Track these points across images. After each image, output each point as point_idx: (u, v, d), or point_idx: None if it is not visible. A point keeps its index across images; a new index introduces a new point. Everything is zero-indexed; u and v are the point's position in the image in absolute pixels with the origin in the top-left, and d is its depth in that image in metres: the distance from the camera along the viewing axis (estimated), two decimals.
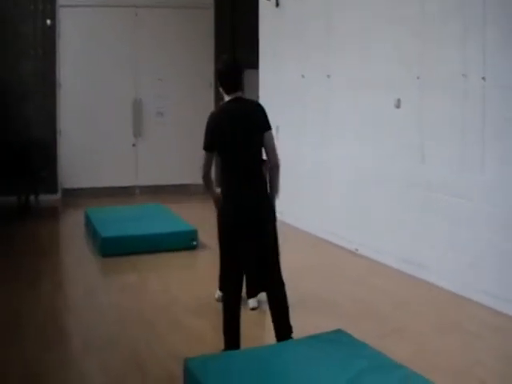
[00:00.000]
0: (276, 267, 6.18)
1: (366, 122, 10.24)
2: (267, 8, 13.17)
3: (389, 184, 9.72)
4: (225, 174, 5.98)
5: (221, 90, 6.19)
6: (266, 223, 6.07)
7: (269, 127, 6.12)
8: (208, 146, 5.95)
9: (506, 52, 7.59)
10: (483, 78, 7.86)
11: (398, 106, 9.44)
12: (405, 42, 9.26)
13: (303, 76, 12.09)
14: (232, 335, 6.04)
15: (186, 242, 10.34)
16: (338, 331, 6.09)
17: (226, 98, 6.12)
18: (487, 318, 7.52)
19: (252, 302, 7.66)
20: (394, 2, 9.51)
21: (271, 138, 6.11)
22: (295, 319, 6.30)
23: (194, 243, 10.45)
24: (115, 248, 10.15)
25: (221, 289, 7.54)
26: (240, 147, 5.90)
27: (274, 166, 6.14)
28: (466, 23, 8.09)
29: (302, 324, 6.59)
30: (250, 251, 6.07)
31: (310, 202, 11.87)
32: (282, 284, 6.17)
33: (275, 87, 13.36)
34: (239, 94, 6.17)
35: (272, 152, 6.09)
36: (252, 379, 5.13)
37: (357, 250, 10.40)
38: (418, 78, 8.97)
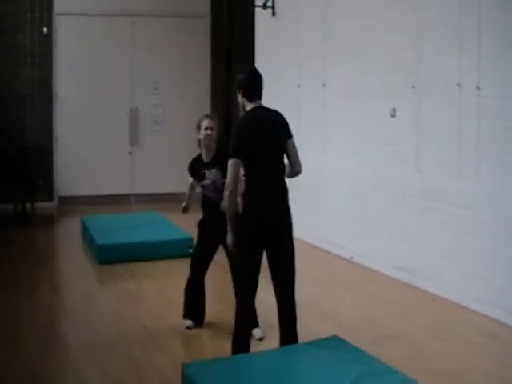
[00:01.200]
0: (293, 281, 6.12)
1: (361, 131, 10.30)
2: (263, 17, 13.22)
3: (384, 192, 9.77)
4: (250, 183, 5.88)
5: (242, 98, 6.19)
6: (290, 237, 6.16)
7: (291, 134, 6.17)
8: (237, 152, 5.82)
9: (500, 62, 7.66)
10: (478, 88, 7.93)
11: (393, 115, 9.51)
12: (400, 52, 9.33)
13: (299, 85, 12.15)
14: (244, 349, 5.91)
15: (182, 249, 10.36)
16: (334, 337, 6.14)
17: (249, 107, 6.14)
18: (483, 325, 7.58)
19: (258, 332, 7.14)
20: (390, 11, 9.58)
21: (295, 146, 6.11)
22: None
23: (191, 250, 10.43)
24: (112, 255, 10.19)
25: (185, 316, 7.49)
26: (268, 154, 5.88)
27: (297, 173, 6.15)
28: (461, 33, 8.16)
29: (298, 331, 6.64)
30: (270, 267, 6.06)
31: (305, 210, 11.88)
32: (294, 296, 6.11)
33: (271, 96, 13.33)
34: (261, 102, 6.26)
35: (296, 159, 6.07)
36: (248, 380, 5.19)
37: (352, 257, 10.45)
38: (413, 87, 9.04)
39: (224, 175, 6.24)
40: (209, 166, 7.29)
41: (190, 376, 5.31)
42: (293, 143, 6.09)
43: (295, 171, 6.11)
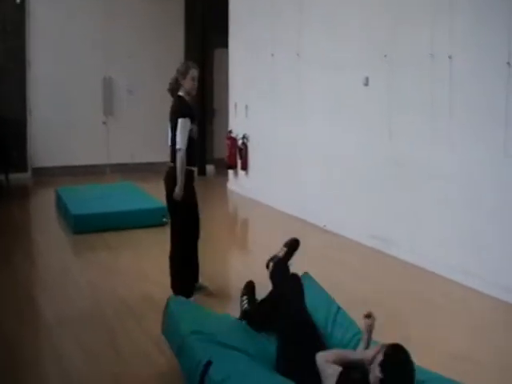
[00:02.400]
0: None
1: (335, 100, 10.34)
2: None
3: (358, 161, 9.84)
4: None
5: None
6: None
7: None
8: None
9: (472, 31, 7.71)
10: (450, 57, 7.98)
11: (366, 83, 9.55)
12: (374, 22, 9.36)
13: (273, 55, 12.15)
14: None
15: (156, 218, 10.41)
16: (306, 274, 6.21)
17: None
18: (455, 292, 7.72)
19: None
20: None
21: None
22: (264, 291, 6.41)
23: (165, 220, 10.48)
24: (87, 225, 10.22)
25: (191, 295, 7.32)
26: None
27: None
28: (434, 3, 8.19)
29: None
30: None
31: (280, 179, 11.97)
32: None
33: (245, 66, 13.42)
34: None
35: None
36: (228, 328, 5.31)
37: (325, 226, 10.53)
38: (385, 56, 9.07)
39: None
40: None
41: (172, 309, 5.53)
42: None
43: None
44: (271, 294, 5.62)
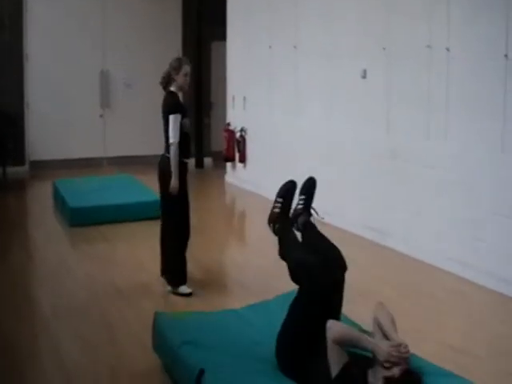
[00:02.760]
0: None
1: (332, 92, 10.33)
2: None
3: (355, 153, 9.84)
4: None
5: None
6: None
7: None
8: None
9: (469, 23, 7.71)
10: (447, 49, 7.98)
11: (364, 76, 9.55)
12: (371, 14, 9.35)
13: (270, 47, 12.15)
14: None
15: (153, 211, 10.33)
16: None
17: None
18: (452, 284, 7.73)
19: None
20: None
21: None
22: (262, 285, 6.44)
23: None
24: (84, 218, 10.21)
25: (183, 282, 7.42)
26: None
27: None
28: None
29: (267, 288, 6.76)
30: None
31: (277, 171, 11.95)
32: None
33: (243, 58, 13.41)
34: None
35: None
36: (219, 335, 5.26)
37: (323, 218, 10.50)
38: (383, 48, 9.07)
39: None
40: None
41: (159, 324, 5.44)
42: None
43: None
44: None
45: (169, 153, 7.21)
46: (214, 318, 5.73)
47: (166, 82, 7.38)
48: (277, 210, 5.54)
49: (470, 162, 7.80)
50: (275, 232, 5.38)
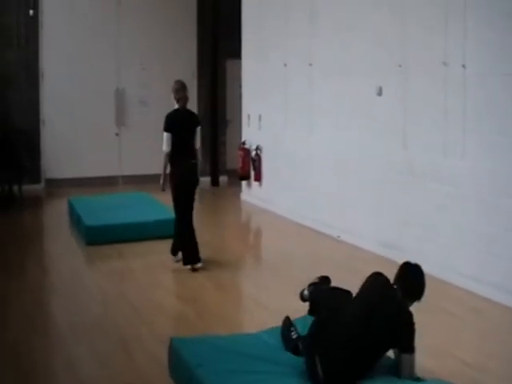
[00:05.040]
0: None
1: (348, 110, 10.33)
2: None
3: (371, 170, 9.82)
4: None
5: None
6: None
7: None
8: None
9: (485, 40, 7.70)
10: (463, 66, 7.97)
11: (379, 93, 9.54)
12: (386, 31, 9.35)
13: (285, 65, 12.17)
14: None
15: (170, 229, 10.32)
16: None
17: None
18: (467, 300, 7.69)
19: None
20: None
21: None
22: (282, 303, 6.40)
23: None
24: (100, 236, 10.16)
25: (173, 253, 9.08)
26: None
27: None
28: (447, 11, 8.19)
29: (287, 308, 6.71)
30: None
31: (293, 189, 11.96)
32: None
33: (258, 76, 13.44)
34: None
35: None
36: (236, 360, 5.21)
37: (339, 236, 10.50)
38: (399, 66, 9.07)
39: None
40: None
41: (176, 349, 5.37)
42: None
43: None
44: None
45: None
46: (230, 341, 5.69)
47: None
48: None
49: (485, 178, 7.77)
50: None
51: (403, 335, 4.92)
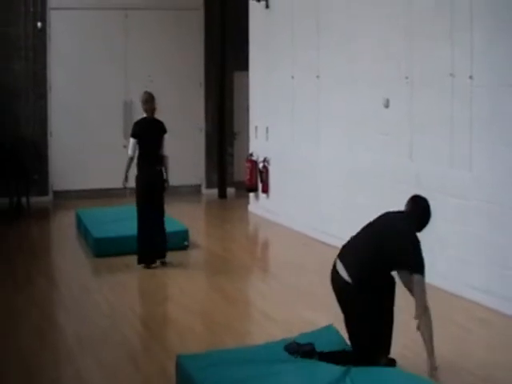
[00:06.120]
0: None
1: (355, 121, 10.33)
2: (257, 9, 13.26)
3: (378, 181, 9.81)
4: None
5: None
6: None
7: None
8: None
9: (492, 51, 7.71)
10: (470, 77, 7.97)
11: (386, 105, 9.54)
12: (393, 42, 9.36)
13: (293, 77, 12.18)
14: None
15: (177, 241, 10.35)
16: (329, 327, 6.16)
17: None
18: (476, 312, 7.66)
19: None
20: (382, 1, 9.61)
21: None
22: (290, 315, 6.38)
23: (186, 243, 10.50)
24: (108, 248, 10.17)
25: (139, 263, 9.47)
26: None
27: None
28: (454, 23, 8.20)
29: (295, 319, 6.72)
30: None
31: (301, 201, 11.95)
32: None
33: (265, 88, 13.46)
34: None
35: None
36: (244, 375, 5.21)
37: None
38: (406, 77, 9.07)
39: None
40: None
41: (184, 367, 5.35)
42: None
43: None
44: None
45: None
46: (237, 355, 5.70)
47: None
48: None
49: (494, 190, 7.75)
50: None
51: (412, 254, 5.82)
